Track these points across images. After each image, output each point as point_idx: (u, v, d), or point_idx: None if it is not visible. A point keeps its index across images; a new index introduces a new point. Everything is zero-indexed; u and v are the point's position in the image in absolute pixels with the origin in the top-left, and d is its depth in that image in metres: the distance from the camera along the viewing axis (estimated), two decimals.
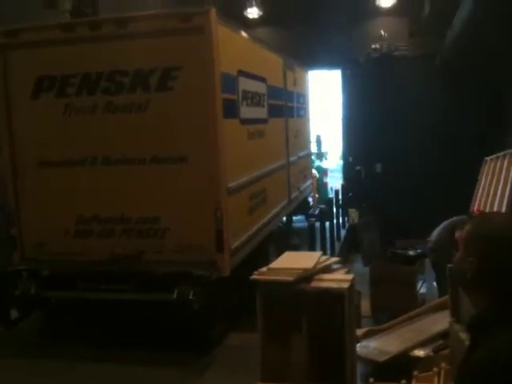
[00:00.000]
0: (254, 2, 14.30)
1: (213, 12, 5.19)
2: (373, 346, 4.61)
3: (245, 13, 14.40)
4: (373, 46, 14.05)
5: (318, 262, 4.03)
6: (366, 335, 4.84)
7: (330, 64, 14.75)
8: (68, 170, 5.64)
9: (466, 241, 1.71)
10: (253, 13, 14.55)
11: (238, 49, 6.21)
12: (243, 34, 6.61)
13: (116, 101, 5.46)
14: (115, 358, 5.31)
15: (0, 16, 6.58)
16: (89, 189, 5.62)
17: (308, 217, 10.03)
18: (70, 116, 5.56)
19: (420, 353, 4.37)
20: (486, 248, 1.63)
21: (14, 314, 5.95)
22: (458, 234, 6.11)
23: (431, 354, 4.31)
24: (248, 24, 13.44)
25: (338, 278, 3.90)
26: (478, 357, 1.52)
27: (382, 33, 13.97)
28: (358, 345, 4.43)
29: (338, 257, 6.18)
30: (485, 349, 1.52)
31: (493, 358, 1.49)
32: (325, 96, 18.66)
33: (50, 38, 5.56)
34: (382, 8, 13.97)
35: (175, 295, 5.08)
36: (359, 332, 4.73)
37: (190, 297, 5.05)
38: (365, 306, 6.65)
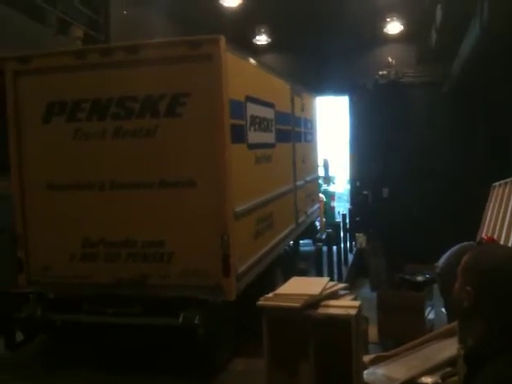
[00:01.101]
0: (262, 30, 14.53)
1: (222, 40, 5.28)
2: (380, 373, 4.56)
3: (253, 40, 14.63)
4: (380, 73, 14.20)
5: (324, 288, 4.02)
6: (374, 362, 4.79)
7: (337, 90, 14.91)
8: (76, 194, 5.68)
9: (464, 270, 1.72)
10: (261, 40, 14.78)
11: (246, 75, 6.29)
12: (251, 60, 6.70)
13: (125, 126, 5.52)
14: (120, 383, 5.27)
15: (14, 42, 6.74)
16: (96, 213, 5.65)
17: (315, 241, 10.01)
18: (80, 140, 5.63)
19: (428, 380, 4.31)
20: (483, 279, 1.65)
21: (19, 336, 5.93)
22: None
23: (439, 381, 4.25)
24: (256, 51, 13.65)
25: (345, 305, 3.89)
26: None
27: (390, 60, 14.12)
28: (366, 371, 4.38)
29: (345, 282, 6.16)
30: (481, 379, 1.52)
31: None
32: (332, 121, 18.79)
33: (62, 64, 5.66)
34: (389, 35, 14.16)
35: (181, 320, 5.06)
36: (366, 358, 4.69)
37: (196, 321, 5.03)
38: (372, 332, 6.59)
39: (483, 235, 7.25)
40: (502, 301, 1.61)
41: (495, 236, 6.86)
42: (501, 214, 7.10)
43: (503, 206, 7.15)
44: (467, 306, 1.66)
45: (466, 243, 6.73)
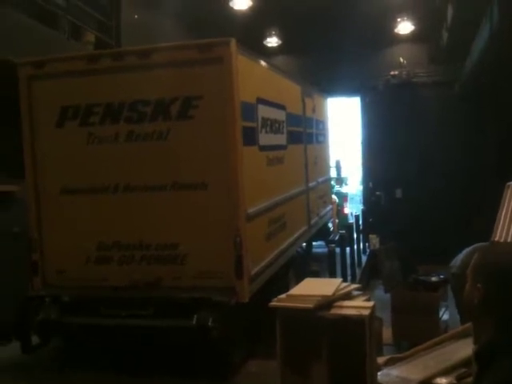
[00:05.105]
0: (273, 32, 14.54)
1: (233, 42, 5.31)
2: (394, 375, 4.53)
3: (264, 42, 14.65)
4: (392, 73, 14.14)
5: (337, 289, 4.01)
6: (388, 363, 4.75)
7: (349, 91, 14.87)
8: (90, 198, 5.73)
9: (473, 269, 1.73)
10: (272, 42, 14.79)
11: (257, 77, 6.31)
12: (262, 62, 6.72)
13: (138, 129, 5.57)
14: None
15: (27, 47, 6.81)
16: (110, 216, 5.70)
17: (328, 242, 9.99)
18: (93, 144, 5.69)
19: (443, 381, 4.28)
20: (492, 276, 1.65)
21: (34, 339, 5.99)
22: None
23: (454, 382, 4.22)
24: (267, 53, 13.66)
25: (359, 305, 3.88)
26: None
27: (401, 60, 14.05)
28: (380, 373, 4.36)
29: (358, 283, 6.14)
30: (489, 378, 1.51)
31: None
32: (345, 122, 18.76)
33: (75, 68, 5.73)
34: (400, 35, 14.09)
35: (194, 321, 5.08)
36: (380, 360, 4.66)
37: (210, 323, 5.05)
38: (386, 333, 6.56)
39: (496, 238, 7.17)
40: (510, 299, 1.61)
41: (509, 235, 6.80)
42: None
43: None
44: (477, 304, 1.67)
45: (480, 244, 6.67)
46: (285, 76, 7.91)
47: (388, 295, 7.86)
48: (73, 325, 5.71)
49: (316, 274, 7.24)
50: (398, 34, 14.08)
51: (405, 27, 13.93)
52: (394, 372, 4.58)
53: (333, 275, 8.11)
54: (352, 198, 17.21)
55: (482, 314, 1.68)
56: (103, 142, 5.66)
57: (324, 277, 7.69)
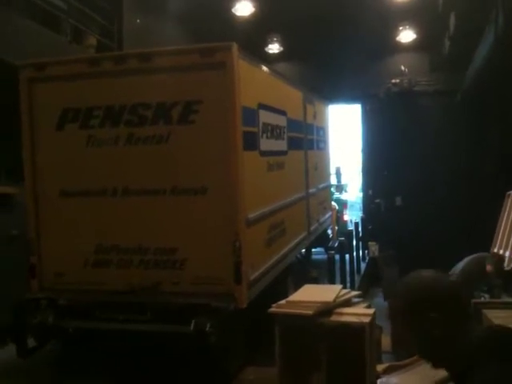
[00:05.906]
0: (274, 38, 14.56)
1: (234, 47, 5.29)
2: (394, 383, 4.49)
3: (266, 48, 14.67)
4: (393, 81, 14.16)
5: (338, 296, 3.99)
6: (387, 371, 4.71)
7: (350, 98, 14.90)
8: (88, 200, 5.70)
9: (413, 303, 1.74)
10: (273, 48, 14.82)
11: (258, 83, 6.30)
12: (264, 68, 6.71)
13: (138, 133, 5.55)
14: None
15: (29, 50, 6.81)
16: (109, 219, 5.66)
17: (327, 249, 9.96)
18: (93, 147, 5.66)
19: None
20: (445, 300, 1.69)
21: (31, 342, 5.94)
22: (489, 268, 6.07)
23: None
24: (269, 59, 13.67)
25: (359, 313, 3.85)
26: None
27: (403, 68, 14.08)
28: (379, 381, 4.32)
29: (358, 290, 6.10)
30: None
31: None
32: (345, 129, 18.78)
33: (76, 71, 5.71)
34: (402, 43, 14.12)
35: (192, 327, 5.04)
36: (380, 368, 4.63)
37: (207, 329, 5.00)
38: (386, 341, 6.51)
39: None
40: (467, 312, 1.68)
41: (509, 245, 6.78)
42: None
43: None
44: (439, 332, 1.67)
45: (480, 253, 6.65)
46: (286, 82, 7.91)
47: (387, 303, 7.82)
48: (70, 329, 5.67)
49: (315, 281, 7.20)
50: (399, 43, 14.11)
51: (407, 36, 13.96)
52: (393, 380, 4.53)
53: (332, 282, 8.08)
54: (352, 205, 17.20)
55: (445, 340, 1.70)
56: (103, 145, 5.64)
57: (323, 283, 7.65)
